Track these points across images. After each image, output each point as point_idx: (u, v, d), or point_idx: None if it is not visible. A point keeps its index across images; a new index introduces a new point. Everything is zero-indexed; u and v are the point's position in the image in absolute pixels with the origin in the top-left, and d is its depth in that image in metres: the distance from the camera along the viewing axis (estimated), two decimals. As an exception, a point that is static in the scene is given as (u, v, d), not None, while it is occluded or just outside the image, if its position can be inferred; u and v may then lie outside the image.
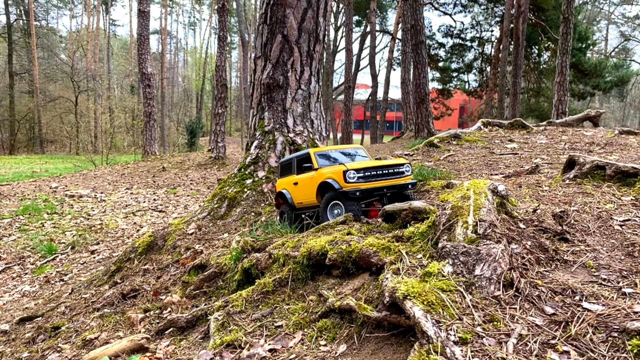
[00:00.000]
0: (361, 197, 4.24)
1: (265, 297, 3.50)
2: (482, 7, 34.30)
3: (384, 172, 4.35)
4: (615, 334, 2.09)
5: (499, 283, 2.57)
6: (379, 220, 4.13)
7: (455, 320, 2.29)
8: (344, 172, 4.15)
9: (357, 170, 4.20)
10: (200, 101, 56.39)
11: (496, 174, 5.72)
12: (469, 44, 35.45)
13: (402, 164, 4.47)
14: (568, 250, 3.00)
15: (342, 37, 44.07)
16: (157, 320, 4.11)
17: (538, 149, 7.40)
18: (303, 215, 5.04)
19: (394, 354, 2.44)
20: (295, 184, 4.99)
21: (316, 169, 4.66)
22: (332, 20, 43.75)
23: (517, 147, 7.79)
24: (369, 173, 4.27)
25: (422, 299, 2.38)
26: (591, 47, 31.22)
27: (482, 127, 10.43)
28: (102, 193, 13.03)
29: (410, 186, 4.41)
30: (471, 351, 2.08)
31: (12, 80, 41.24)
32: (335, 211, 4.36)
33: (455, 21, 47.57)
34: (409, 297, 2.40)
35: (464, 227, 2.91)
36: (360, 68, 42.82)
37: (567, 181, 4.52)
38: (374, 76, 36.36)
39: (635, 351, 1.96)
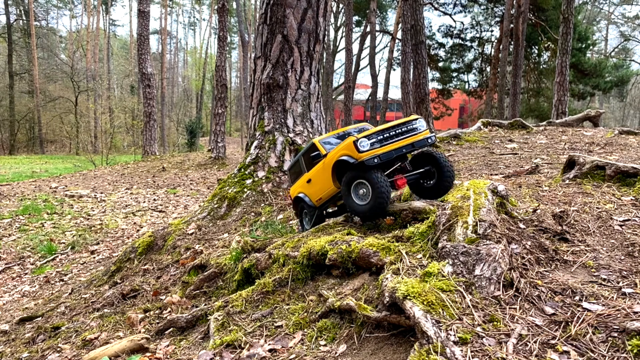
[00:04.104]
0: (381, 164, 3.78)
1: (265, 297, 3.50)
2: (482, 7, 34.34)
3: (397, 131, 3.89)
4: (615, 334, 2.09)
5: (499, 283, 2.57)
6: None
7: (455, 320, 2.29)
8: (355, 143, 3.71)
9: (368, 137, 3.77)
10: (200, 101, 56.40)
11: (496, 174, 5.72)
12: (468, 44, 35.52)
13: (415, 119, 4.01)
14: (568, 250, 3.00)
15: (342, 37, 44.12)
16: (157, 320, 4.11)
17: (538, 149, 7.40)
18: (328, 211, 4.69)
19: (394, 354, 2.44)
20: (309, 181, 4.56)
21: (325, 155, 4.24)
22: (332, 20, 43.78)
23: (517, 147, 7.79)
24: (381, 136, 3.82)
25: (422, 299, 2.38)
26: (591, 47, 31.25)
27: (482, 127, 10.43)
28: (102, 193, 13.03)
29: (429, 140, 3.94)
30: (471, 351, 2.08)
31: (12, 80, 41.26)
32: (361, 191, 3.83)
33: (455, 21, 47.53)
34: (409, 297, 2.40)
35: (464, 227, 2.91)
36: (360, 68, 42.87)
37: (567, 181, 4.52)
38: (374, 76, 36.41)
39: (635, 351, 1.96)
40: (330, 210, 4.76)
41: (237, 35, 49.70)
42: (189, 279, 4.80)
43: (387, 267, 2.92)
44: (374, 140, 3.76)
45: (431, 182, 4.19)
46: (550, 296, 2.51)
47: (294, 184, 5.00)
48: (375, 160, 3.66)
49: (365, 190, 3.77)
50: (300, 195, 4.73)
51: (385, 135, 3.82)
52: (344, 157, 3.82)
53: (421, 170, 4.15)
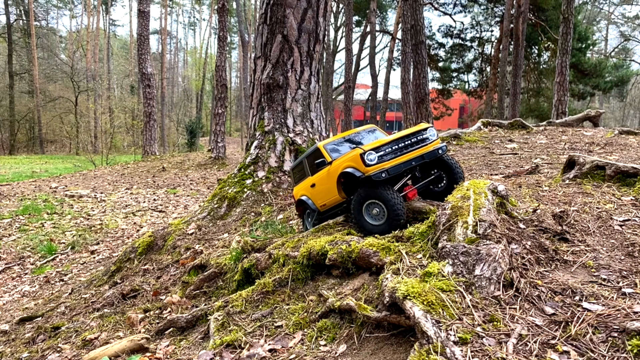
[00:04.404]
0: (389, 179, 3.62)
1: (265, 297, 3.50)
2: (482, 7, 34.34)
3: (406, 142, 3.73)
4: (615, 334, 2.09)
5: (499, 283, 2.57)
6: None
7: (455, 320, 2.29)
8: (361, 155, 3.55)
9: (376, 149, 3.60)
10: (200, 101, 56.41)
11: (496, 174, 5.72)
12: (469, 44, 35.52)
13: (424, 129, 3.85)
14: (568, 250, 3.00)
15: (342, 37, 44.12)
16: (157, 320, 4.11)
17: (538, 149, 7.40)
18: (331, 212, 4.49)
19: (394, 354, 2.44)
20: (313, 185, 4.43)
21: (330, 162, 4.09)
22: (332, 20, 43.77)
23: (517, 147, 7.79)
24: (389, 148, 3.67)
25: (422, 299, 2.38)
26: (591, 47, 31.24)
27: (482, 127, 10.43)
28: (102, 193, 13.03)
29: (440, 151, 3.79)
30: (471, 351, 2.08)
31: (12, 80, 41.26)
32: (374, 211, 3.66)
33: (455, 21, 47.55)
34: (408, 297, 2.40)
35: (464, 227, 2.91)
36: (360, 68, 42.85)
37: (567, 181, 4.52)
38: (374, 76, 36.41)
39: (635, 351, 1.96)
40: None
41: (237, 35, 49.72)
42: (189, 279, 4.80)
43: (387, 267, 2.92)
44: (382, 153, 3.62)
45: (440, 185, 4.08)
46: (550, 296, 2.51)
47: (297, 185, 4.90)
48: (383, 175, 3.52)
49: (378, 209, 3.62)
50: (304, 198, 4.63)
51: (394, 148, 3.69)
52: (350, 170, 3.68)
53: (431, 177, 4.03)
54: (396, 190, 3.70)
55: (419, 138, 3.79)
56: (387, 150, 3.66)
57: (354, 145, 4.29)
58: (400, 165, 3.62)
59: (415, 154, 3.70)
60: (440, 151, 3.80)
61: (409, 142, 3.75)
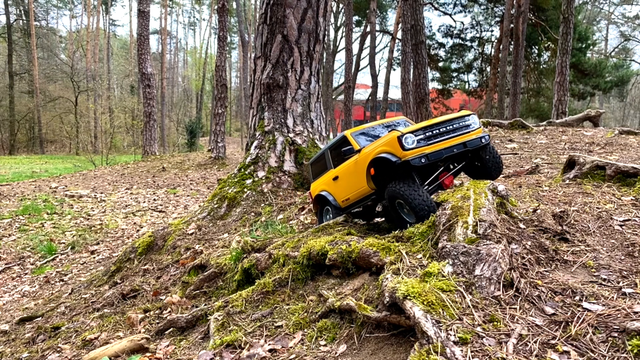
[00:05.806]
0: (427, 166, 3.31)
1: (265, 297, 3.50)
2: (482, 7, 34.32)
3: (447, 128, 3.42)
4: (615, 334, 2.09)
5: (499, 283, 2.57)
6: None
7: (455, 320, 2.29)
8: (399, 138, 3.24)
9: (415, 133, 3.28)
10: (200, 101, 56.41)
11: (496, 174, 5.71)
12: (469, 44, 35.49)
13: (467, 116, 3.56)
14: (568, 250, 3.00)
15: (342, 37, 44.10)
16: (157, 321, 4.11)
17: (538, 149, 7.40)
18: (353, 210, 4.22)
19: (394, 354, 2.44)
20: (336, 178, 4.11)
21: (359, 151, 3.78)
22: (332, 20, 43.74)
23: (517, 147, 7.79)
24: (430, 132, 3.35)
25: (422, 299, 2.38)
26: (591, 47, 31.22)
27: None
28: (102, 193, 13.03)
29: (482, 140, 3.47)
30: (471, 351, 2.08)
31: (12, 80, 41.26)
32: (406, 208, 3.40)
33: (455, 21, 47.38)
34: (409, 297, 2.40)
35: (464, 227, 2.91)
36: (360, 68, 42.84)
37: (567, 181, 4.52)
38: (374, 76, 36.41)
39: (635, 351, 1.96)
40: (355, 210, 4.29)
41: (237, 35, 49.70)
42: (189, 279, 4.80)
43: (387, 267, 2.92)
44: (420, 136, 3.33)
45: (477, 164, 3.84)
46: (550, 296, 2.51)
47: (315, 180, 4.58)
48: (423, 160, 3.25)
49: (408, 207, 3.37)
50: (324, 193, 4.31)
51: (434, 132, 3.40)
52: (384, 155, 3.37)
53: (463, 163, 3.80)
54: (425, 184, 3.46)
55: (460, 124, 3.53)
56: (427, 134, 3.37)
57: (383, 134, 3.97)
58: (442, 151, 3.34)
59: (457, 141, 3.43)
60: (483, 140, 3.52)
61: (450, 127, 3.48)
